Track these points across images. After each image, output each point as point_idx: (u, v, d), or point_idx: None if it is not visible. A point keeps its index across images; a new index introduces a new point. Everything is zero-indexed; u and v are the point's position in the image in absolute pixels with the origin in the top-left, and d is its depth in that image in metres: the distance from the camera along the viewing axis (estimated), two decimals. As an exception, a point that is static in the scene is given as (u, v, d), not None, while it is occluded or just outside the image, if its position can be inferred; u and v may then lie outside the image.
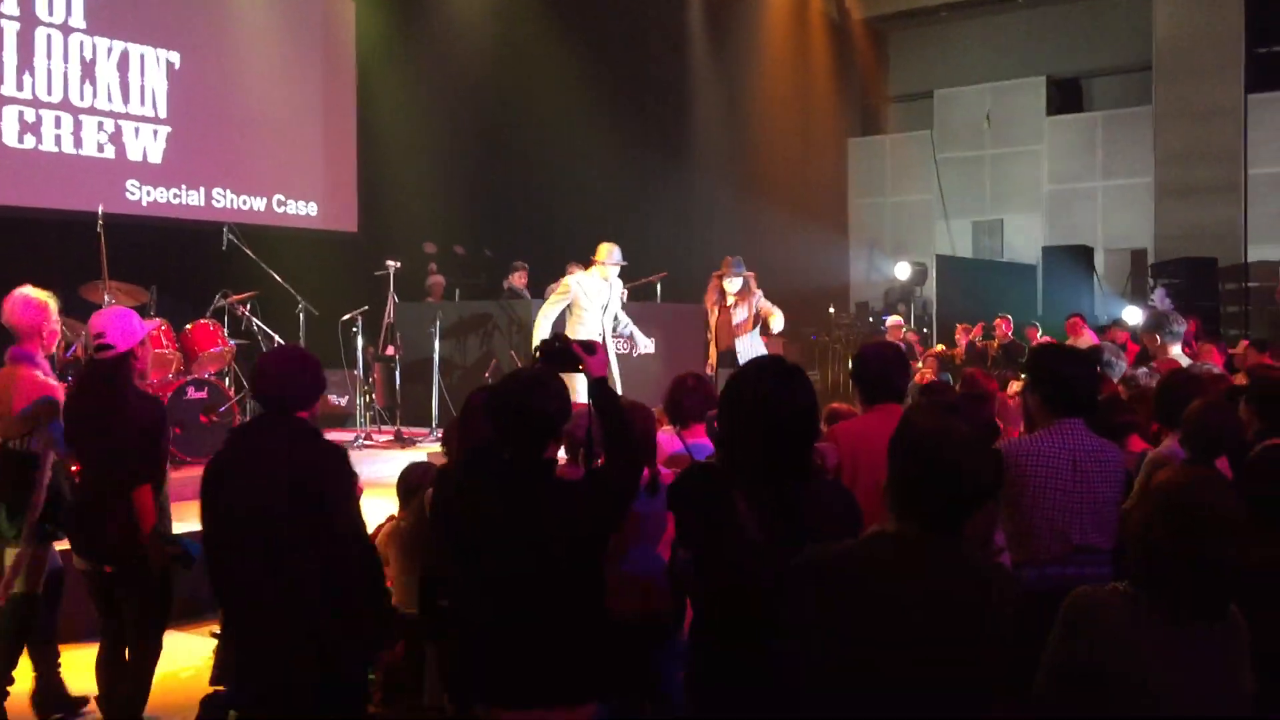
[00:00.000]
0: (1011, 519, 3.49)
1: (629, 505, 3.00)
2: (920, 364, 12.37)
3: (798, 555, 2.25)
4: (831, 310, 15.99)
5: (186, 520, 5.38)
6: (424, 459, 5.30)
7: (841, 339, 15.12)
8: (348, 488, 3.30)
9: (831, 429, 4.00)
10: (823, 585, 2.17)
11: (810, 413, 2.66)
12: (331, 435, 10.94)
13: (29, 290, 4.64)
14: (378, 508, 6.06)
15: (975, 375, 5.31)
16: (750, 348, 8.91)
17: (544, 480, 2.85)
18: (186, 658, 5.31)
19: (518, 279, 11.74)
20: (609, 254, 9.08)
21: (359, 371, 10.13)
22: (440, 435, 8.02)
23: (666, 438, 4.56)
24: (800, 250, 16.51)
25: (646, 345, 9.43)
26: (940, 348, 12.90)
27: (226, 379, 9.01)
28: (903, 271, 16.69)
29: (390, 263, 10.95)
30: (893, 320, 13.99)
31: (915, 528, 2.19)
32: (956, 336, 12.97)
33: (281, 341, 9.45)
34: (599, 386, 3.05)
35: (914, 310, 16.00)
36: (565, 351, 3.12)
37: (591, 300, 8.88)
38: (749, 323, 9.01)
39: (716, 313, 9.06)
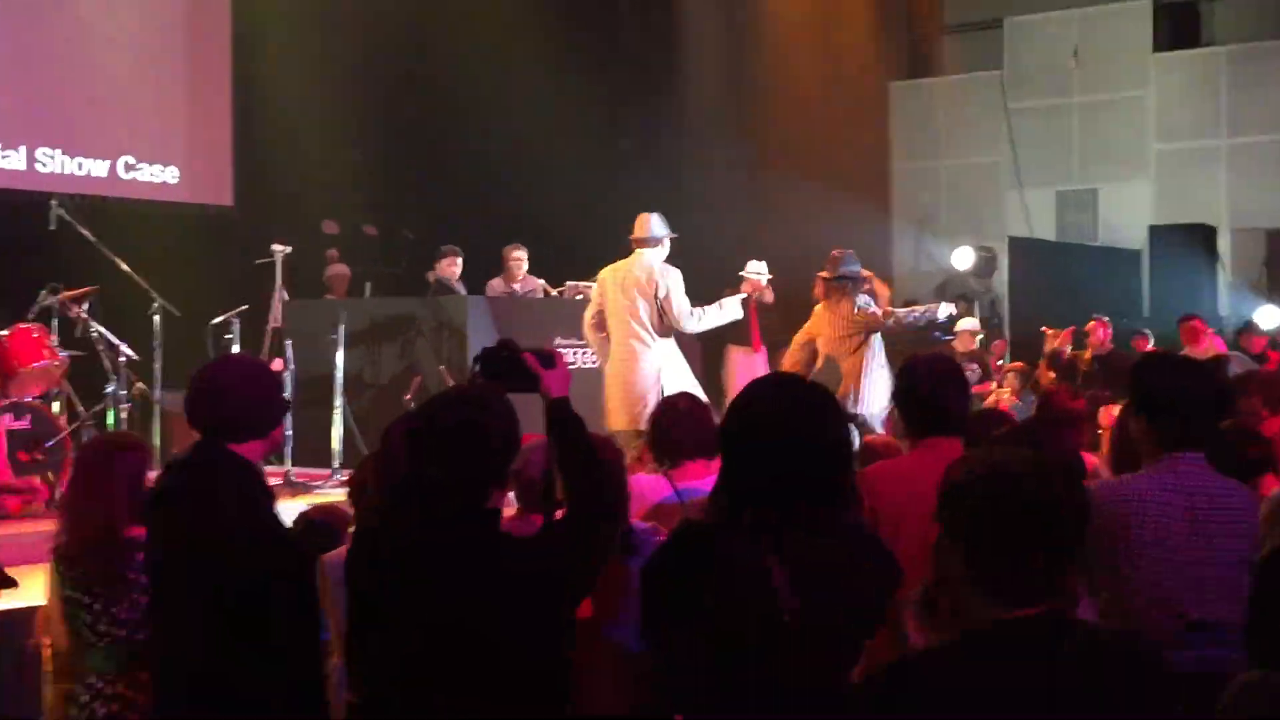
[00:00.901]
0: (1105, 586, 3.50)
1: (599, 568, 3.01)
2: (996, 385, 12.38)
3: (894, 667, 2.24)
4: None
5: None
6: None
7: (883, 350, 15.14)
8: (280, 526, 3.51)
9: (865, 471, 4.03)
10: (932, 703, 2.16)
11: (842, 448, 2.69)
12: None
13: None
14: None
15: (1055, 394, 5.36)
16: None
17: (486, 536, 2.85)
18: None
19: (447, 268, 11.75)
20: (648, 226, 8.99)
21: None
22: (346, 479, 7.99)
23: (650, 480, 4.57)
24: (826, 232, 16.45)
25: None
26: (1017, 365, 12.85)
27: (55, 403, 8.95)
28: (963, 259, 16.73)
29: (277, 247, 10.90)
30: (966, 324, 13.86)
31: (1015, 607, 2.20)
32: (1048, 344, 12.77)
33: (131, 353, 9.42)
34: (560, 410, 3.06)
35: (979, 310, 16.07)
36: (513, 362, 3.12)
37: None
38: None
39: (854, 335, 9.25)
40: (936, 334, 14.57)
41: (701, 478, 4.42)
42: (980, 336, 14.04)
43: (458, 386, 3.08)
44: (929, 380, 4.00)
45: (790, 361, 9.51)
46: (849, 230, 17.14)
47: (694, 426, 4.47)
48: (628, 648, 3.75)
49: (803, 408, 2.68)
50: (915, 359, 4.19)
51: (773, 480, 2.63)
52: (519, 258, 11.81)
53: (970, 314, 14.98)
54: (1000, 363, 13.95)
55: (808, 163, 16.78)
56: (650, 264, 8.81)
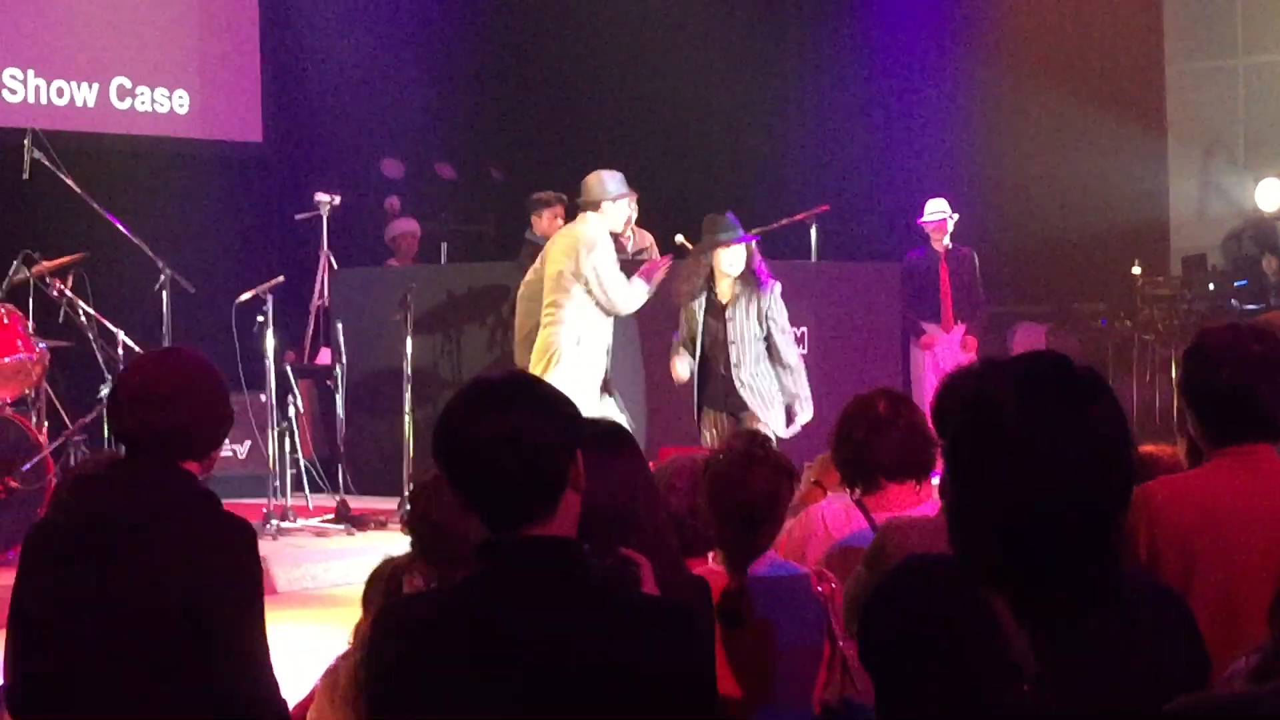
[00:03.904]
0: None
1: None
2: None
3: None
4: (1136, 270, 15.78)
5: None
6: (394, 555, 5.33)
7: (1157, 325, 14.89)
8: (252, 596, 3.57)
9: (1145, 488, 3.94)
10: None
11: (1118, 459, 2.62)
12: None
13: None
14: (308, 640, 6.10)
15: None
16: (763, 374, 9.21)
17: (565, 584, 2.88)
18: None
19: (547, 221, 11.76)
20: (602, 186, 9.67)
21: (269, 397, 10.23)
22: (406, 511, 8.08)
23: (837, 510, 4.55)
24: (1073, 163, 16.30)
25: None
26: None
27: (34, 413, 9.13)
28: (1270, 195, 16.40)
29: (322, 197, 11.02)
30: None
31: None
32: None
33: (131, 343, 9.57)
34: None
35: (1293, 267, 15.73)
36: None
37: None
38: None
39: (700, 314, 9.29)
40: (1233, 302, 14.27)
41: (909, 507, 4.41)
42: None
43: (492, 374, 3.15)
44: (1231, 364, 3.87)
45: None
46: (1107, 158, 16.93)
47: (898, 438, 4.46)
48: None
49: (1069, 413, 2.60)
50: (1208, 335, 4.05)
51: (1017, 526, 2.58)
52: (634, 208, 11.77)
53: (1264, 274, 14.69)
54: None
55: (1045, 66, 16.57)
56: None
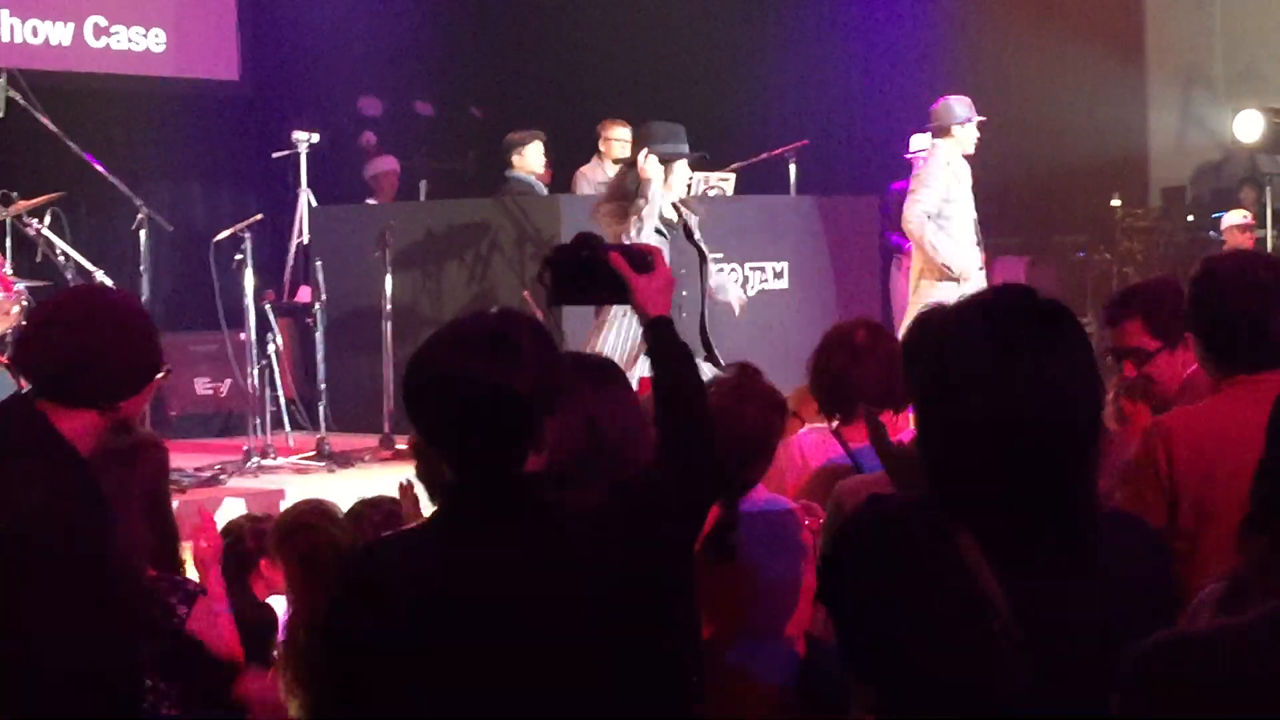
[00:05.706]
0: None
1: (691, 541, 3.08)
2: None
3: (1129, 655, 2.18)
4: (1116, 203, 15.78)
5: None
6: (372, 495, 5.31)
7: (1136, 256, 14.89)
8: (35, 576, 3.21)
9: (1161, 420, 3.96)
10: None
11: (1083, 391, 2.62)
12: (196, 450, 10.76)
13: None
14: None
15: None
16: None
17: (536, 517, 2.87)
18: None
19: (527, 159, 11.73)
20: (949, 112, 10.23)
21: (249, 334, 10.23)
22: (407, 446, 8.09)
23: (815, 440, 4.54)
24: (1052, 95, 16.27)
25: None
26: None
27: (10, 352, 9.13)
28: (1248, 126, 16.38)
29: (300, 135, 10.98)
30: (1234, 217, 13.69)
31: None
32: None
33: (108, 283, 9.56)
34: (660, 334, 3.07)
35: (1273, 199, 15.71)
36: (595, 266, 3.10)
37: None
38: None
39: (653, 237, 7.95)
40: (1212, 232, 14.29)
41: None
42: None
43: (475, 314, 3.03)
44: (1241, 290, 3.84)
45: None
46: (1086, 90, 16.89)
47: (877, 367, 4.44)
48: (759, 677, 3.84)
49: (1034, 347, 2.57)
50: (1217, 263, 4.01)
51: (974, 437, 2.58)
52: (620, 138, 11.74)
53: (1243, 205, 14.71)
54: None
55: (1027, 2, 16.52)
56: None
